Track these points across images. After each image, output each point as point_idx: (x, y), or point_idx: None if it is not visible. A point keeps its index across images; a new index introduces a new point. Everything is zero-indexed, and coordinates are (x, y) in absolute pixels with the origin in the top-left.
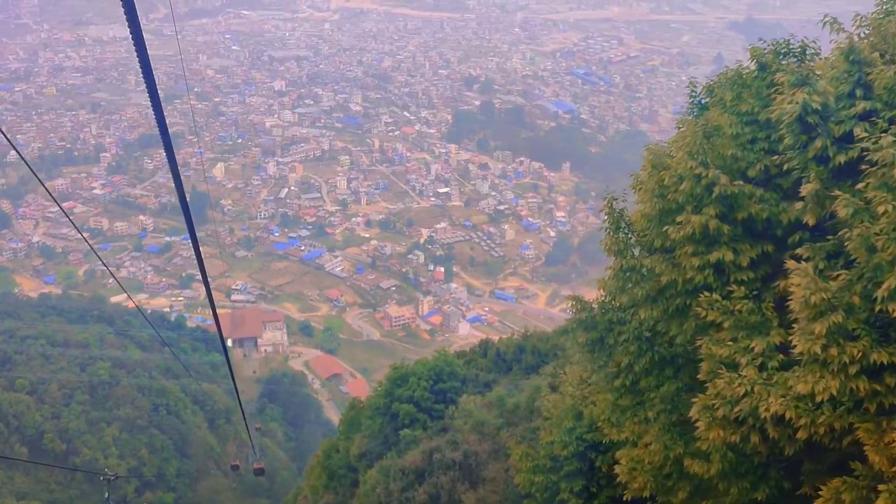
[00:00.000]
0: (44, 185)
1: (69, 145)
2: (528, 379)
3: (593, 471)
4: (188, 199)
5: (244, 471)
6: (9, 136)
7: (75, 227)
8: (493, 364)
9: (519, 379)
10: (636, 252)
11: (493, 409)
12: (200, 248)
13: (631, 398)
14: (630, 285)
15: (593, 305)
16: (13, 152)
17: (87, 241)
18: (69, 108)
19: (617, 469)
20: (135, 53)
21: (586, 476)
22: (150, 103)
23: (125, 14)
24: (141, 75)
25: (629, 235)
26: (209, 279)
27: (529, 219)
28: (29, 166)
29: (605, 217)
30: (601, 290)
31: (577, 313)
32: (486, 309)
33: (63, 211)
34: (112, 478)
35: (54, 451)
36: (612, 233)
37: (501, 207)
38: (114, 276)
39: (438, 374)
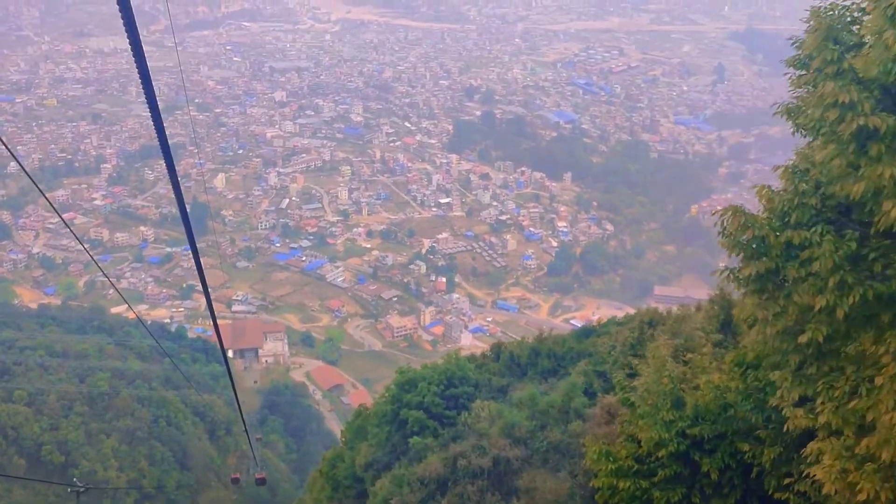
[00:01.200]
0: (44, 196)
1: (70, 156)
2: (545, 382)
3: (696, 476)
4: (189, 210)
5: (245, 483)
6: (10, 147)
7: (76, 238)
8: (506, 368)
9: (538, 383)
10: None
11: (523, 410)
12: (201, 259)
13: (827, 362)
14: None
15: (761, 219)
16: (14, 163)
17: (87, 251)
18: (70, 119)
19: (817, 473)
20: (135, 65)
21: (688, 483)
22: (150, 114)
23: (124, 26)
24: (142, 86)
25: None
26: (210, 290)
27: (531, 229)
28: (29, 177)
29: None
30: (764, 202)
31: (737, 231)
32: (489, 319)
33: (63, 221)
34: (81, 489)
35: (53, 463)
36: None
37: (503, 217)
38: (114, 286)
39: (449, 379)
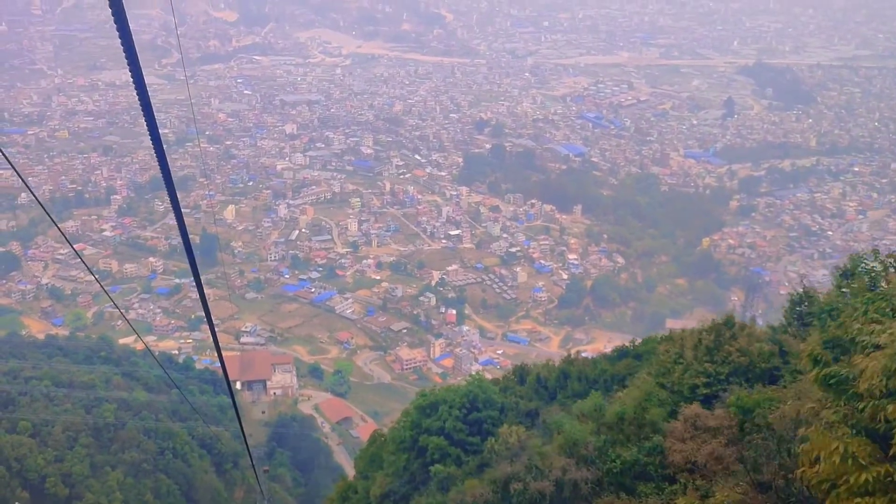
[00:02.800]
0: (57, 226)
1: (80, 188)
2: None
3: None
4: (198, 242)
5: None
6: (23, 177)
7: (87, 268)
8: (532, 392)
9: (557, 410)
10: None
11: (587, 423)
12: (208, 291)
13: None
14: None
15: None
16: (25, 194)
17: (98, 280)
18: (81, 151)
19: None
20: (137, 98)
21: None
22: (153, 148)
23: (127, 63)
24: (145, 119)
25: None
26: (218, 321)
27: (541, 261)
28: (43, 207)
29: None
30: None
31: None
32: (499, 352)
33: (74, 251)
34: None
35: (57, 496)
36: None
37: (513, 250)
38: (123, 316)
39: (472, 402)
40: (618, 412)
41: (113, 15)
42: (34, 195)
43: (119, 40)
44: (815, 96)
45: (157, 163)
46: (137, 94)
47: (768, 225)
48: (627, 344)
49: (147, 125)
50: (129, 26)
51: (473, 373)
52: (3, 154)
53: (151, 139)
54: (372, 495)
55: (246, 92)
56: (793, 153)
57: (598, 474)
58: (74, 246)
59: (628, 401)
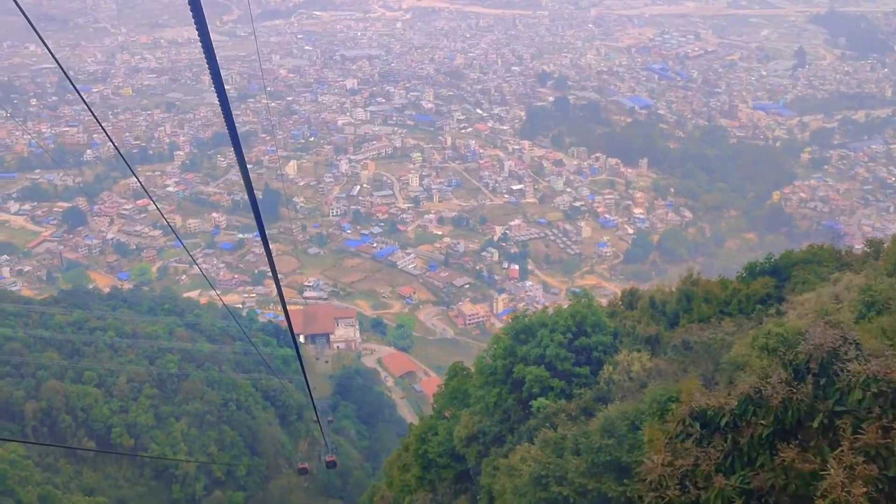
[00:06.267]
0: (137, 178)
1: (144, 144)
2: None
3: None
4: (261, 197)
5: (315, 469)
6: (86, 136)
7: (161, 214)
8: (647, 317)
9: (698, 330)
10: None
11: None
12: (272, 246)
13: None
14: None
15: None
16: (90, 151)
17: (174, 230)
18: (144, 108)
19: None
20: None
21: None
22: (219, 103)
23: (193, 18)
24: (210, 75)
25: None
26: (281, 276)
27: (606, 215)
28: (126, 162)
29: None
30: None
31: None
32: (563, 308)
33: (152, 200)
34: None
35: (122, 446)
36: None
37: (577, 204)
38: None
39: (579, 325)
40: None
41: None
42: (118, 150)
43: None
44: (892, 44)
45: (220, 119)
46: (203, 51)
47: (842, 178)
48: (761, 260)
49: (213, 81)
50: None
51: (583, 290)
52: (91, 111)
53: (217, 95)
54: (456, 436)
55: (307, 47)
56: (867, 104)
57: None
58: (138, 202)
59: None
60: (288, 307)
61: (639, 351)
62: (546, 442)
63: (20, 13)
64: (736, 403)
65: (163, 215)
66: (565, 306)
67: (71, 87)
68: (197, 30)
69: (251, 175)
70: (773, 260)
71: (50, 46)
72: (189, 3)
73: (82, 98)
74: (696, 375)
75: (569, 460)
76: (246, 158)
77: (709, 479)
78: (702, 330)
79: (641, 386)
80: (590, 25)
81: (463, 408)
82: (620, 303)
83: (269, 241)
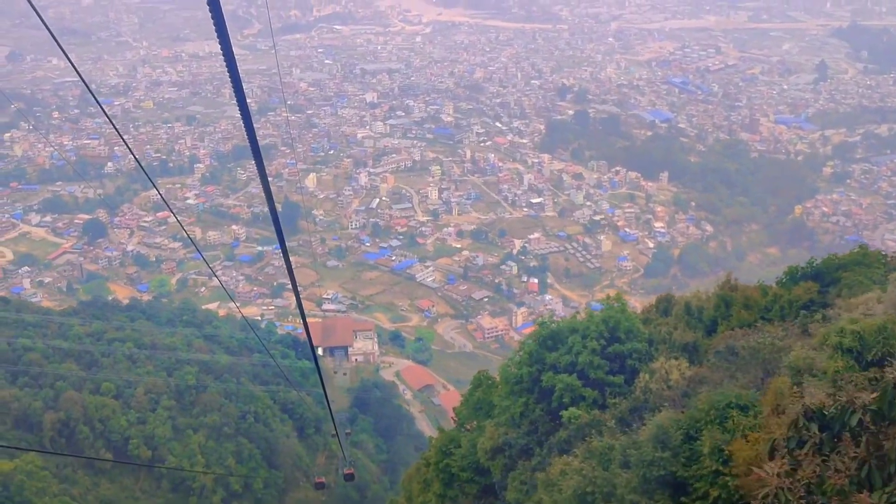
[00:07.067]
0: (158, 190)
1: (164, 157)
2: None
3: None
4: (281, 210)
5: (333, 482)
6: (107, 148)
7: (181, 226)
8: (682, 324)
9: (743, 335)
10: None
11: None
12: (292, 258)
13: None
14: None
15: None
16: (111, 163)
17: (194, 242)
18: (165, 120)
19: None
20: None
21: None
22: (241, 116)
23: (216, 32)
24: (232, 88)
25: None
26: (300, 288)
27: (626, 229)
28: (147, 175)
29: None
30: None
31: None
32: None
33: (173, 213)
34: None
35: (140, 458)
36: None
37: (597, 218)
38: (221, 284)
39: (612, 331)
40: None
41: None
42: (139, 163)
43: (206, 10)
44: None
45: (239, 132)
46: (226, 64)
47: (864, 192)
48: (802, 265)
49: (234, 94)
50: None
51: (616, 292)
52: (113, 124)
53: (239, 108)
54: (480, 449)
55: (327, 61)
56: (890, 118)
57: None
58: (158, 215)
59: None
60: (307, 319)
61: (676, 358)
62: (590, 453)
63: (43, 27)
64: (874, 397)
65: (183, 228)
66: (596, 311)
67: (92, 100)
68: (220, 44)
69: (271, 188)
70: (814, 264)
71: (72, 60)
72: (213, 19)
73: (104, 111)
74: (747, 382)
75: (617, 474)
76: (266, 171)
77: (844, 496)
78: (747, 335)
79: (683, 395)
80: (610, 39)
81: (487, 419)
82: (654, 309)
83: (289, 254)
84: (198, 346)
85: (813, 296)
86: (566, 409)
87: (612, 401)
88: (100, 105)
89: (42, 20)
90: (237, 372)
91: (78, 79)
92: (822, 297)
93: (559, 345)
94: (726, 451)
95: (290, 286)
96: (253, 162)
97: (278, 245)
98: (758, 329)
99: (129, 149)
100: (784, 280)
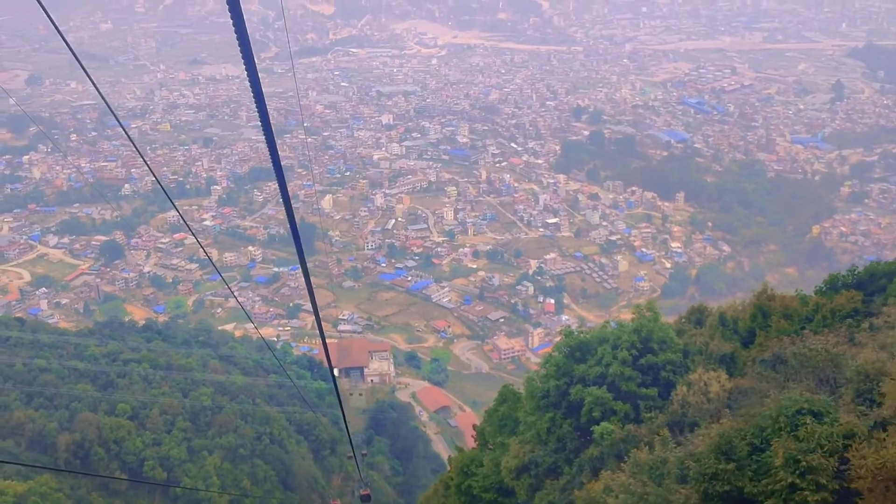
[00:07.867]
0: (177, 210)
1: (181, 178)
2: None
3: None
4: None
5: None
6: (124, 170)
7: (200, 246)
8: (717, 334)
9: (789, 344)
10: None
11: None
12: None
13: None
14: None
15: None
16: (128, 185)
17: (213, 264)
18: (182, 143)
19: None
20: (249, 90)
21: None
22: (262, 135)
23: (242, 55)
24: (253, 111)
25: None
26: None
27: (643, 249)
28: (167, 194)
29: None
30: None
31: None
32: None
33: (192, 231)
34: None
35: (155, 479)
36: None
37: (613, 238)
38: (240, 305)
39: (645, 341)
40: None
41: (229, 8)
42: (160, 184)
43: (223, 34)
44: None
45: (256, 154)
46: (250, 85)
47: (883, 212)
48: (843, 273)
49: (259, 115)
50: (244, 20)
51: (649, 300)
52: (133, 142)
53: (263, 129)
54: (505, 468)
55: (343, 84)
56: None
57: None
58: (175, 236)
59: None
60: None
61: (714, 370)
62: (639, 467)
63: (62, 52)
64: None
65: (202, 247)
66: (627, 320)
67: (110, 123)
68: (246, 68)
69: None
70: (856, 272)
71: (94, 81)
72: (239, 44)
73: (124, 130)
74: (801, 391)
75: (673, 489)
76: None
77: None
78: (795, 342)
79: (726, 407)
80: (624, 60)
81: (510, 436)
82: (686, 320)
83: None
84: (213, 366)
85: (857, 305)
86: (597, 425)
87: (648, 415)
88: (120, 124)
89: (66, 43)
90: (253, 393)
91: (95, 102)
92: (866, 307)
93: (588, 356)
94: (803, 462)
95: (306, 307)
96: (270, 184)
97: (295, 266)
98: (806, 335)
99: (150, 167)
100: (824, 289)
